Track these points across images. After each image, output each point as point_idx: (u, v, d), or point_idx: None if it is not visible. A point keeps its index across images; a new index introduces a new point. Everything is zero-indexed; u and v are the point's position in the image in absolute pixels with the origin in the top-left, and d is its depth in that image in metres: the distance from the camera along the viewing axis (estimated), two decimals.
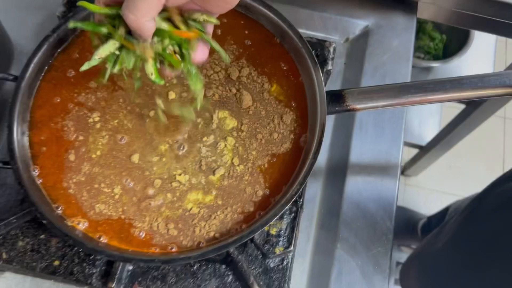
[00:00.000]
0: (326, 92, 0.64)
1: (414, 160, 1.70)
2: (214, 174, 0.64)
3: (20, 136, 0.62)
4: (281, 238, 0.66)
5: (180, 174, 0.64)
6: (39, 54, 0.65)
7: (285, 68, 0.70)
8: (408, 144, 1.58)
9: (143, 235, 0.61)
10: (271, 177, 0.64)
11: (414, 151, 1.65)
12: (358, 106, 0.64)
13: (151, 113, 0.67)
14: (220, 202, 0.63)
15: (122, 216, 0.62)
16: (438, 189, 1.82)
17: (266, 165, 0.65)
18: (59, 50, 0.68)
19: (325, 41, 0.79)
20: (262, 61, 0.71)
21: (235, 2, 0.49)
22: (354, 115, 0.80)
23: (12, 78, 0.65)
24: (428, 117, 1.55)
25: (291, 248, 0.66)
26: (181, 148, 0.66)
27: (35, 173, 0.61)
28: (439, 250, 0.92)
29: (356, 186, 0.75)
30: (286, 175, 0.63)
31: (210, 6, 0.50)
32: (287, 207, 0.59)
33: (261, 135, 0.67)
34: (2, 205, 0.67)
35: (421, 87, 0.63)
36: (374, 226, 0.73)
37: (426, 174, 1.80)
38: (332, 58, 0.78)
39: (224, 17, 0.69)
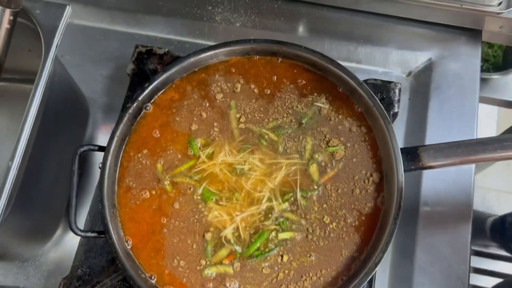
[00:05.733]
0: (401, 149, 0.64)
1: None
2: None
3: (111, 209, 0.66)
4: None
5: None
6: (121, 125, 0.68)
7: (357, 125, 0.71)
8: None
9: None
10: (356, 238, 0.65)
11: None
12: (434, 164, 0.64)
13: None
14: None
15: None
16: (496, 188, 1.78)
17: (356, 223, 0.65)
18: (137, 120, 0.71)
19: (390, 82, 0.78)
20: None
21: None
22: None
23: (97, 149, 0.69)
24: (485, 120, 1.51)
25: None
26: None
27: (128, 245, 0.65)
28: None
29: (428, 230, 0.75)
30: (367, 236, 0.64)
31: None
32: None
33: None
34: (95, 266, 0.72)
35: (499, 143, 0.63)
36: (449, 270, 0.73)
37: (485, 174, 1.76)
38: (398, 100, 0.78)
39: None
